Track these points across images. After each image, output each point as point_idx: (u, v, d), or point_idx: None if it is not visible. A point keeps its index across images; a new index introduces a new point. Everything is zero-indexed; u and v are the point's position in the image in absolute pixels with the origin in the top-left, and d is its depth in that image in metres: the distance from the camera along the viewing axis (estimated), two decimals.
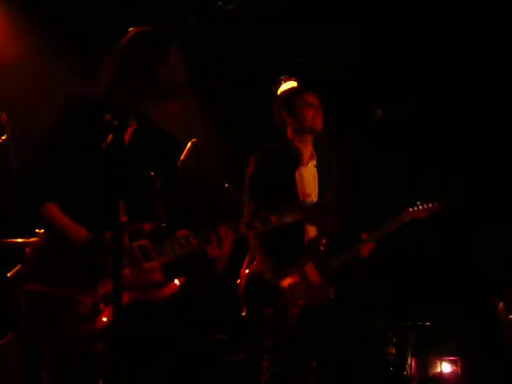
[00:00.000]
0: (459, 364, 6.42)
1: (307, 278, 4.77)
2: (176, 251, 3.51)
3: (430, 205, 5.19)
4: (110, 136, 3.31)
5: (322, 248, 4.78)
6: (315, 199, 4.86)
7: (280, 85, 7.30)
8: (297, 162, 4.98)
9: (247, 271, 4.98)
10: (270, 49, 7.06)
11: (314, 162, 5.01)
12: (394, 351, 6.34)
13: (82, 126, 3.50)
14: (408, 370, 6.28)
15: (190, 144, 5.32)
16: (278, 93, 7.28)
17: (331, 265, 4.77)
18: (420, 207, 5.17)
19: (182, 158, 5.26)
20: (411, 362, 6.33)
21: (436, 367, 6.44)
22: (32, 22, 6.40)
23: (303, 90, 5.34)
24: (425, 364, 6.46)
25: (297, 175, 4.94)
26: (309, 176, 4.97)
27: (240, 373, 6.03)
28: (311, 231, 4.83)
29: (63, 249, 3.45)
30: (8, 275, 4.89)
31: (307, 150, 5.02)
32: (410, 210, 5.14)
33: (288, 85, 7.25)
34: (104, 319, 3.36)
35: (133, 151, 3.59)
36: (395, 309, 6.56)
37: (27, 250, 3.59)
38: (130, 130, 3.66)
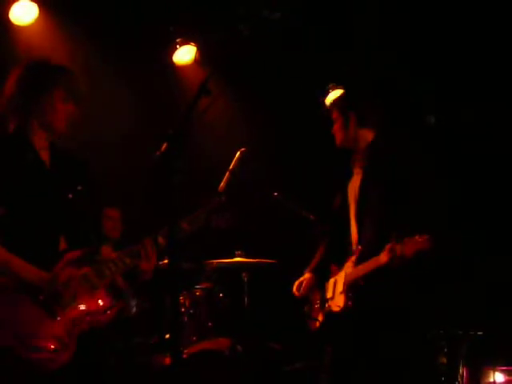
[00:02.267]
0: None
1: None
2: (114, 273, 3.82)
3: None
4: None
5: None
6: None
7: (328, 93, 7.31)
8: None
9: None
10: (317, 57, 7.04)
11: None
12: (445, 361, 6.26)
13: (8, 164, 3.67)
14: (460, 380, 6.20)
15: (238, 153, 5.31)
16: (327, 101, 7.30)
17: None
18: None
19: (230, 167, 5.26)
20: (463, 371, 6.24)
21: (489, 377, 6.34)
22: (78, 25, 6.46)
23: None
24: (477, 374, 6.36)
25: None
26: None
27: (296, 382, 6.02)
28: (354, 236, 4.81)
29: (14, 291, 3.55)
30: None
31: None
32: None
33: (336, 93, 7.25)
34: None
35: (54, 179, 3.81)
36: (447, 318, 6.47)
37: None
38: (47, 159, 3.84)
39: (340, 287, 4.74)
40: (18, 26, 6.19)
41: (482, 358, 6.41)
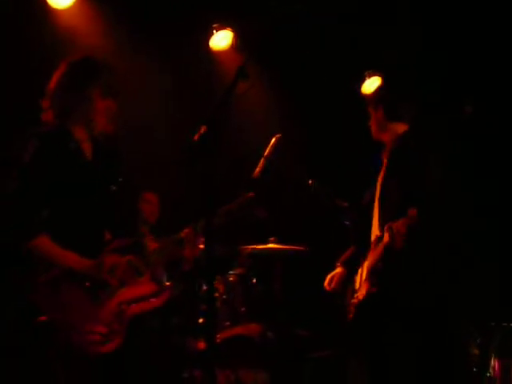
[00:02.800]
0: None
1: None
2: (159, 260, 3.99)
3: None
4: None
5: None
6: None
7: (364, 80, 7.27)
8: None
9: None
10: (352, 45, 7.00)
11: None
12: (477, 352, 6.23)
13: (53, 157, 3.76)
14: (491, 371, 6.16)
15: (273, 139, 5.31)
16: (363, 88, 7.26)
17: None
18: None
19: (265, 154, 5.27)
20: (495, 363, 6.20)
21: None
22: (115, 9, 6.48)
23: None
24: (509, 366, 6.31)
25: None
26: None
27: (324, 369, 6.02)
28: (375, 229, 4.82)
29: (66, 281, 3.68)
30: None
31: None
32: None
33: (373, 80, 7.22)
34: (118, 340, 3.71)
35: (97, 171, 3.94)
36: (480, 308, 6.43)
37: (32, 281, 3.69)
38: (89, 151, 3.96)
39: (364, 276, 4.81)
40: (56, 9, 6.20)
41: None
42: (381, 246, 4.55)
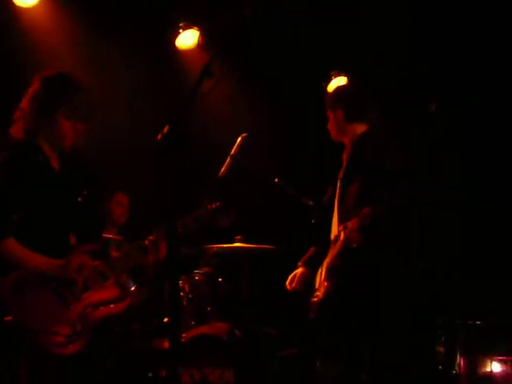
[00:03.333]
0: (510, 363, 6.33)
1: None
2: (124, 266, 4.07)
3: None
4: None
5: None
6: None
7: (330, 80, 7.29)
8: None
9: None
10: (321, 43, 7.01)
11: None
12: (442, 350, 6.28)
13: (22, 166, 3.85)
14: (457, 369, 6.21)
15: (240, 138, 5.32)
16: (329, 88, 7.27)
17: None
18: None
19: (232, 152, 5.27)
20: (460, 360, 6.25)
21: (486, 366, 6.35)
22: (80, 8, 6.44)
23: None
24: (474, 363, 6.37)
25: None
26: None
27: (290, 367, 6.04)
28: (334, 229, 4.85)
29: (32, 282, 3.74)
30: None
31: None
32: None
33: (338, 80, 7.24)
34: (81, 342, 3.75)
35: (63, 182, 4.05)
36: (444, 306, 6.48)
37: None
38: (56, 164, 4.06)
39: (323, 275, 4.83)
40: (21, 8, 6.16)
41: (480, 347, 6.40)
42: (337, 245, 4.61)
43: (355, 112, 4.88)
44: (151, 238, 4.05)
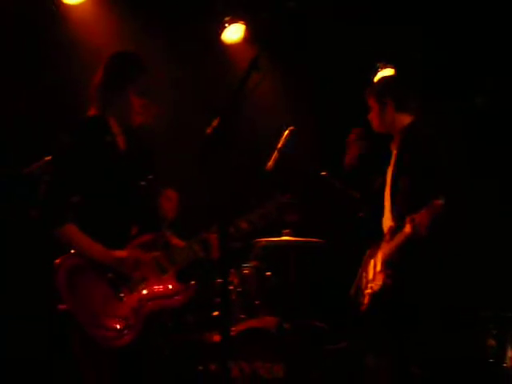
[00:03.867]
0: None
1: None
2: (184, 260, 4.00)
3: None
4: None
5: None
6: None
7: (377, 72, 7.24)
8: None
9: None
10: (367, 35, 6.98)
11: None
12: (494, 343, 6.22)
13: (89, 147, 3.84)
14: (508, 361, 6.15)
15: (287, 132, 5.31)
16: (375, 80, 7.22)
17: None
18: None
19: (279, 146, 5.27)
20: (511, 353, 6.19)
21: None
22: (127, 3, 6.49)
23: None
24: None
25: None
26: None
27: (341, 361, 6.02)
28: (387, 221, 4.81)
29: (89, 270, 3.74)
30: None
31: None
32: None
33: (385, 72, 7.18)
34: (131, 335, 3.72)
35: (129, 164, 4.00)
36: (496, 299, 6.41)
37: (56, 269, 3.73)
38: (122, 144, 4.04)
39: (378, 267, 4.79)
40: (68, 5, 6.22)
41: None
42: (400, 237, 4.53)
43: (404, 102, 4.87)
44: (212, 235, 4.00)
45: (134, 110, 3.99)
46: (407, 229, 4.38)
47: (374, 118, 4.98)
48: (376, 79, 7.21)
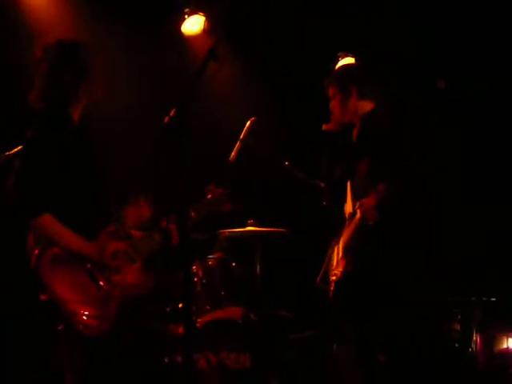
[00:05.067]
0: None
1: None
2: (147, 249, 4.04)
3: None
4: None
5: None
6: None
7: (338, 61, 7.24)
8: None
9: None
10: (326, 24, 6.98)
11: None
12: (458, 327, 6.27)
13: (54, 137, 3.84)
14: (473, 346, 6.20)
15: (248, 122, 5.31)
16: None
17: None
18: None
19: (241, 137, 5.26)
20: (476, 338, 6.24)
21: (502, 343, 6.34)
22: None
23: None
24: (490, 340, 6.35)
25: None
26: None
27: (306, 350, 6.05)
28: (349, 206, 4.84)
29: (67, 260, 3.75)
30: None
31: None
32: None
33: (346, 60, 7.19)
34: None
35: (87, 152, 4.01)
36: (460, 284, 6.47)
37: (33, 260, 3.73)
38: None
39: (340, 253, 4.83)
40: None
41: (496, 324, 6.39)
42: (353, 223, 4.58)
43: (366, 89, 4.88)
44: (169, 224, 4.07)
45: (98, 89, 4.01)
46: (357, 214, 4.46)
47: (336, 106, 4.96)
48: (337, 67, 7.24)
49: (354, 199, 4.69)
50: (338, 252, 4.88)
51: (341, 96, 4.92)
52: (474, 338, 6.23)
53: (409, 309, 4.78)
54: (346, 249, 4.71)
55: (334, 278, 4.85)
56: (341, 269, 4.72)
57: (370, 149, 4.67)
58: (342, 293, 4.75)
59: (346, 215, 4.83)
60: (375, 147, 4.62)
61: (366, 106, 4.88)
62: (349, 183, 4.88)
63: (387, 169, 4.41)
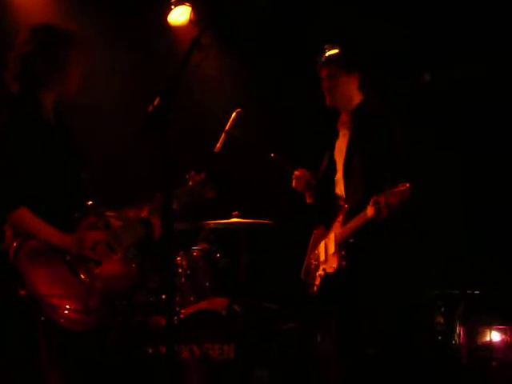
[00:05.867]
0: (509, 333, 6.34)
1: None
2: (129, 240, 4.00)
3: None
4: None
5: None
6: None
7: (324, 53, 7.23)
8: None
9: None
10: (314, 17, 6.98)
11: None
12: (442, 320, 6.29)
13: (26, 126, 3.76)
14: (456, 339, 6.23)
15: (234, 114, 5.29)
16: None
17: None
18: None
19: (226, 128, 5.24)
20: (460, 331, 6.27)
21: (485, 336, 6.38)
22: None
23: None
24: (474, 333, 6.39)
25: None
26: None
27: (291, 341, 6.05)
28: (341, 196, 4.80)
29: (46, 253, 3.68)
30: None
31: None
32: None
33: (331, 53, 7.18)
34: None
35: (61, 141, 3.93)
36: (443, 277, 6.49)
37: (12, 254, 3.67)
38: (52, 120, 3.96)
39: (332, 248, 4.72)
40: None
41: (479, 317, 6.42)
42: (359, 220, 4.45)
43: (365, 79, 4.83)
44: (151, 212, 4.02)
45: (72, 82, 3.94)
46: (369, 211, 4.30)
47: (333, 89, 4.82)
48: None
49: (349, 194, 4.65)
50: (326, 247, 4.83)
51: (342, 79, 4.83)
52: (458, 331, 6.25)
53: (398, 302, 4.76)
54: (341, 244, 4.62)
55: (321, 272, 4.80)
56: (334, 264, 4.63)
57: (370, 143, 4.61)
58: (334, 287, 4.71)
59: (336, 209, 4.77)
60: (375, 142, 4.57)
61: (357, 97, 4.84)
62: (339, 178, 4.84)
63: (389, 166, 4.39)
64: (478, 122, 6.86)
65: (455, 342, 6.23)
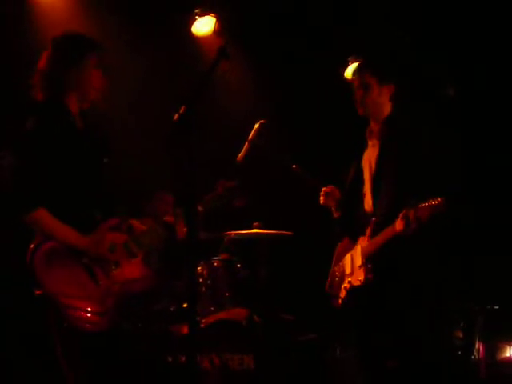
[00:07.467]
0: None
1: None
2: (151, 243, 3.99)
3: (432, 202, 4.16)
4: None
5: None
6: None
7: (347, 66, 7.27)
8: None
9: None
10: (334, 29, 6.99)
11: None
12: (461, 335, 6.27)
13: (51, 130, 3.79)
14: (476, 354, 6.20)
15: (257, 125, 5.30)
16: (346, 74, 7.25)
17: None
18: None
19: (249, 138, 5.26)
20: (479, 346, 6.24)
21: (504, 352, 6.34)
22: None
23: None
24: (493, 348, 6.36)
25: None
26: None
27: (309, 353, 6.04)
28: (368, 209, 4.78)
29: (63, 254, 3.70)
30: None
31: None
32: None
33: (355, 66, 7.20)
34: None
35: (89, 143, 3.96)
36: (463, 292, 6.46)
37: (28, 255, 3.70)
38: (80, 124, 4.00)
39: (358, 261, 4.66)
40: None
41: (498, 332, 6.39)
42: (387, 233, 4.38)
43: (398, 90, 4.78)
44: (174, 217, 4.00)
45: (91, 83, 3.97)
46: (398, 225, 4.25)
47: (366, 97, 4.72)
48: (346, 73, 7.22)
49: (378, 207, 4.62)
50: (352, 259, 4.77)
51: (376, 89, 4.73)
52: (477, 346, 6.22)
53: (424, 316, 4.72)
54: (369, 257, 4.54)
55: (347, 285, 4.76)
56: (360, 278, 4.56)
57: (398, 156, 4.55)
58: (361, 300, 4.68)
59: (364, 221, 4.74)
60: (410, 155, 4.49)
61: (388, 106, 4.77)
62: (367, 190, 4.76)
63: (422, 180, 4.36)
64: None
65: (474, 357, 6.20)
